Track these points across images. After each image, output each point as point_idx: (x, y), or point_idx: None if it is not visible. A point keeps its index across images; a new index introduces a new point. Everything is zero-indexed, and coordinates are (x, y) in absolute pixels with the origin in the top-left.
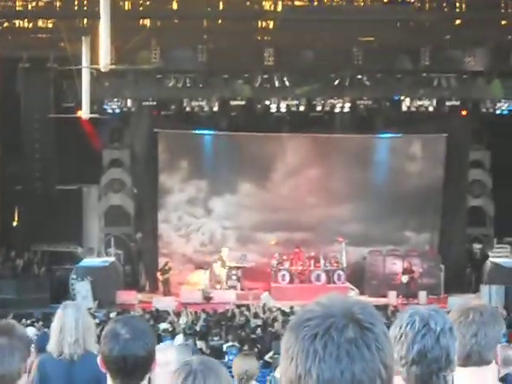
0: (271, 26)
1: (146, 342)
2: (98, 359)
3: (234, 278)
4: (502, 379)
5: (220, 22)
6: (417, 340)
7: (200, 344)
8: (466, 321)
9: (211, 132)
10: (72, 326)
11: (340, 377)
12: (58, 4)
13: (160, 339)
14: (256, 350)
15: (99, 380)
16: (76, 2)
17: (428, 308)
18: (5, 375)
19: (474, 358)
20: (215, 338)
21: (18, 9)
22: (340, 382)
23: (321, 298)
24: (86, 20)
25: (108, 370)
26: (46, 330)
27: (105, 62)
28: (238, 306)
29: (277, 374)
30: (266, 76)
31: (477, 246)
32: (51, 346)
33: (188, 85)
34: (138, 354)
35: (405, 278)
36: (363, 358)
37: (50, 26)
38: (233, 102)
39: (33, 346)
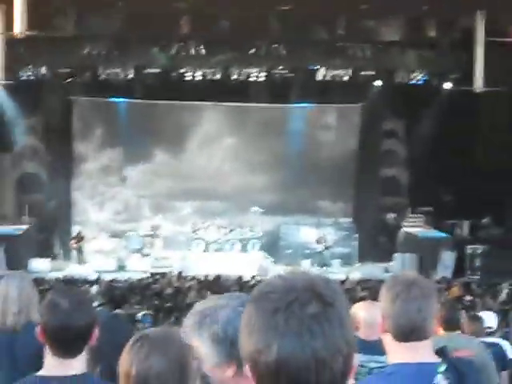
0: None
1: (85, 312)
2: (37, 330)
3: (148, 246)
4: (437, 352)
5: None
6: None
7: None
8: (409, 296)
9: (126, 100)
10: (15, 295)
11: (301, 352)
12: None
13: None
14: (172, 318)
15: (42, 350)
16: None
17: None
18: None
19: (417, 333)
20: (129, 307)
21: None
22: (300, 358)
23: (282, 272)
24: None
25: (47, 340)
26: None
27: (19, 28)
28: (153, 275)
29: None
30: (181, 44)
31: (391, 216)
32: None
33: (103, 52)
34: (77, 325)
35: (320, 248)
36: (325, 334)
37: None
38: (148, 70)
39: None
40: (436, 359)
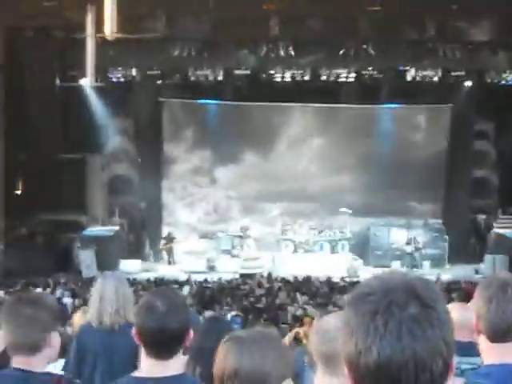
0: None
1: (181, 314)
2: (133, 331)
3: (238, 247)
4: None
5: None
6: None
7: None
8: (505, 296)
9: (216, 102)
10: (112, 295)
11: (401, 354)
12: None
13: None
14: (262, 319)
15: (138, 351)
16: None
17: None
18: (26, 344)
19: (504, 333)
20: (219, 308)
21: None
22: (401, 360)
23: (380, 273)
24: None
25: (142, 342)
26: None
27: (110, 30)
28: (243, 276)
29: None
30: (271, 45)
31: (481, 217)
32: (91, 316)
33: (193, 54)
34: (173, 327)
35: (410, 249)
36: (425, 336)
37: None
38: (237, 72)
39: None
40: None
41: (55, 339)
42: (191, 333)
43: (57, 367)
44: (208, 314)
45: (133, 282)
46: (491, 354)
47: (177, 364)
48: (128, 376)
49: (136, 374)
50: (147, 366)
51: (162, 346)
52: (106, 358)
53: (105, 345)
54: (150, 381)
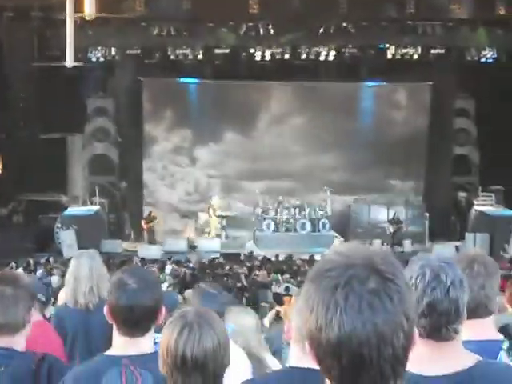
0: None
1: (153, 292)
2: (105, 309)
3: (219, 226)
4: (501, 329)
5: None
6: (427, 293)
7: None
8: (472, 273)
9: (196, 80)
10: (86, 274)
11: (361, 328)
12: None
13: None
14: (244, 298)
15: None
16: None
17: (439, 259)
18: (9, 324)
19: (480, 311)
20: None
21: None
22: (361, 334)
23: (340, 247)
24: None
25: (114, 320)
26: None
27: (89, 10)
28: (223, 255)
29: (265, 321)
30: (250, 24)
31: (462, 195)
32: (66, 296)
33: (172, 33)
34: (144, 304)
35: (391, 227)
36: (385, 310)
37: None
38: (217, 51)
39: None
40: (499, 337)
41: (31, 317)
42: (163, 310)
43: None
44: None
45: (113, 263)
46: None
47: (149, 342)
48: (101, 354)
49: (109, 352)
50: (120, 343)
51: (134, 324)
52: (83, 336)
53: (81, 324)
54: (124, 358)
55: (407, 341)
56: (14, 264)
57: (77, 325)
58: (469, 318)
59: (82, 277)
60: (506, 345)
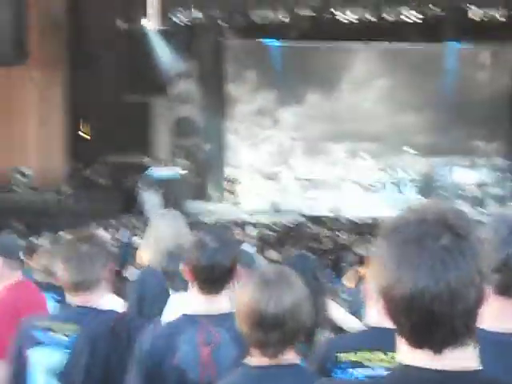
0: None
1: (231, 251)
2: (183, 268)
3: (302, 188)
4: None
5: None
6: (501, 248)
7: (269, 254)
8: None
9: (279, 42)
10: (168, 235)
11: (434, 285)
12: None
13: None
14: (328, 260)
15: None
16: None
17: None
18: (85, 281)
19: None
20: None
21: None
22: (434, 291)
23: (414, 204)
24: None
25: (194, 279)
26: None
27: None
28: (307, 217)
29: (344, 281)
30: None
31: None
32: (147, 257)
33: None
34: (224, 263)
35: (474, 188)
36: (458, 267)
37: None
38: (301, 12)
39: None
40: None
41: (108, 274)
42: (239, 269)
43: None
44: (270, 254)
45: (198, 224)
46: None
47: (225, 301)
48: (182, 315)
49: (186, 311)
50: (197, 302)
51: (213, 283)
52: (163, 299)
53: (161, 286)
54: (201, 318)
55: (479, 297)
56: (96, 225)
57: (157, 286)
58: None
59: (164, 238)
60: None
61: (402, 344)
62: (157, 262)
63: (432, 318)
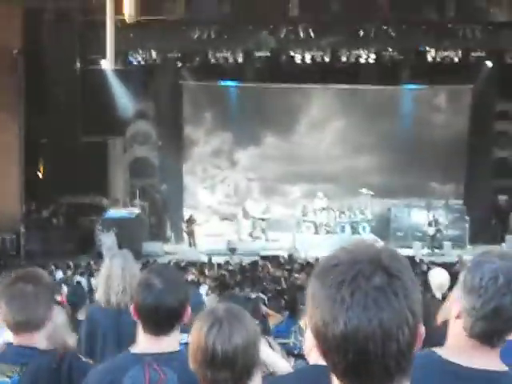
0: None
1: (178, 292)
2: (131, 308)
3: (259, 229)
4: None
5: None
6: (496, 297)
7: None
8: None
9: (236, 84)
10: (119, 274)
11: (367, 324)
12: None
13: None
14: (282, 301)
15: None
16: None
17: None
18: (30, 321)
19: None
20: (240, 290)
21: None
22: (367, 330)
23: (346, 244)
24: None
25: (140, 319)
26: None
27: (129, 12)
28: (263, 257)
29: (301, 323)
30: (290, 27)
31: (502, 198)
32: (99, 296)
33: (213, 36)
34: (170, 305)
35: (431, 230)
36: (391, 306)
37: None
38: (257, 54)
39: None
40: None
41: (52, 314)
42: (189, 310)
43: None
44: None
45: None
46: None
47: (173, 341)
48: (125, 352)
49: (133, 349)
50: (144, 341)
51: (160, 323)
52: (115, 336)
53: (113, 323)
54: (148, 357)
55: (412, 337)
56: (53, 267)
57: (108, 324)
58: None
59: (115, 277)
60: None
61: (336, 383)
62: (107, 300)
63: (366, 358)
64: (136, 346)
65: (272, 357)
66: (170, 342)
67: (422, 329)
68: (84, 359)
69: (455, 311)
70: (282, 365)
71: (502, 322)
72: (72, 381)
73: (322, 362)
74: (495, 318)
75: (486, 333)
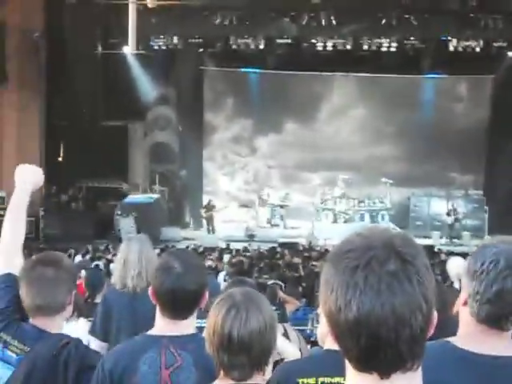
0: None
1: (197, 276)
2: (150, 291)
3: (278, 216)
4: None
5: None
6: (498, 280)
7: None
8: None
9: (257, 70)
10: (135, 258)
11: (380, 309)
12: None
13: None
14: (300, 288)
15: None
16: None
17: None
18: (47, 305)
19: None
20: (258, 276)
21: None
22: (380, 315)
23: (361, 229)
24: None
25: (158, 302)
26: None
27: None
28: (282, 244)
29: (318, 311)
30: (312, 14)
31: None
32: (115, 279)
33: (234, 22)
34: (188, 288)
35: (450, 220)
36: (404, 291)
37: None
38: (279, 41)
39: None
40: None
41: (73, 298)
42: (206, 295)
43: (80, 326)
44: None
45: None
46: None
47: (190, 325)
48: (143, 334)
49: (151, 332)
50: (161, 325)
51: (178, 307)
52: (129, 320)
53: (128, 307)
54: (164, 338)
55: (425, 323)
56: (72, 251)
57: (123, 307)
58: None
59: (131, 261)
60: None
61: (349, 369)
62: (123, 283)
63: (378, 343)
64: (153, 329)
65: (282, 343)
66: (186, 326)
67: (435, 315)
68: (88, 347)
69: (462, 298)
70: (292, 352)
71: (506, 305)
72: (67, 370)
73: (336, 348)
74: (499, 301)
75: (492, 316)
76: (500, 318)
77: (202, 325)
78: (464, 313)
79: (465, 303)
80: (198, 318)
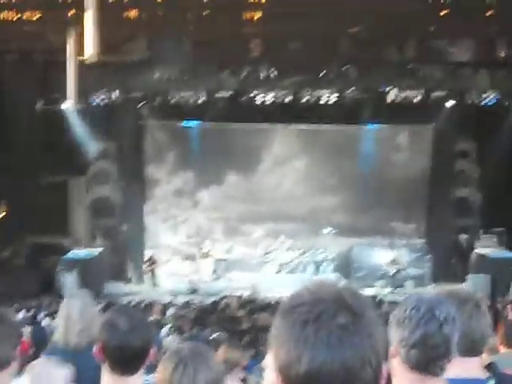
0: (257, 17)
1: (143, 333)
2: (95, 348)
3: (221, 269)
4: (487, 367)
5: (206, 13)
6: (420, 325)
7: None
8: (464, 312)
9: (198, 123)
10: (77, 315)
11: (331, 363)
12: None
13: None
14: (244, 341)
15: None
16: None
17: (434, 295)
18: None
19: (469, 348)
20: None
21: (3, 1)
22: (331, 369)
23: (309, 284)
24: (72, 11)
25: (105, 359)
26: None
27: (90, 53)
28: (225, 298)
29: (263, 365)
30: (252, 67)
31: (463, 237)
32: (58, 336)
33: (174, 76)
34: (135, 345)
35: (392, 270)
36: (354, 345)
37: (37, 17)
38: (219, 94)
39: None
40: (485, 374)
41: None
42: (154, 350)
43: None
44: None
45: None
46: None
47: (138, 381)
48: None
49: None
50: (110, 381)
51: (125, 364)
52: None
53: (72, 365)
54: None
55: (376, 375)
56: (16, 306)
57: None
58: (459, 355)
59: (73, 317)
60: (491, 383)
61: None
62: (66, 340)
63: None
64: None
65: None
66: (134, 382)
67: (386, 368)
68: None
69: (391, 351)
70: None
71: (430, 349)
72: None
73: None
74: (424, 346)
75: (421, 361)
76: (428, 363)
77: (150, 380)
78: (396, 363)
79: (393, 355)
80: (146, 372)
